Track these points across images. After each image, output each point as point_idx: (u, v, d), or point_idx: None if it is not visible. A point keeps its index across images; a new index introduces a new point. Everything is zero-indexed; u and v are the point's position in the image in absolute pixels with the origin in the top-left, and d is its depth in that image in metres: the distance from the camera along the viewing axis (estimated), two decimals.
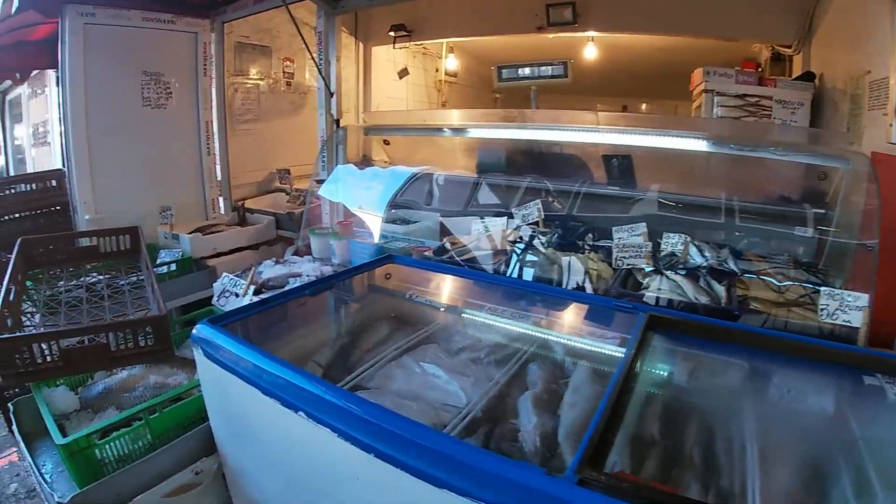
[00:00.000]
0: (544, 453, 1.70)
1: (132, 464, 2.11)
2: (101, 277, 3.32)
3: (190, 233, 4.20)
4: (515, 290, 2.57)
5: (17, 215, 4.48)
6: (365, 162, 4.29)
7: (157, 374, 2.61)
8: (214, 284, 3.27)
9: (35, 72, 7.50)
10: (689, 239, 2.75)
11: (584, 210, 3.20)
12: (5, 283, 2.76)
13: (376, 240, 3.47)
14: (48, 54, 3.98)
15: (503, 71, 3.84)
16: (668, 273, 2.59)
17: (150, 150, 4.49)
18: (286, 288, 3.01)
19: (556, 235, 3.03)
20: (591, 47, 5.07)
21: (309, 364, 2.19)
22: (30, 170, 7.91)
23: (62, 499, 1.93)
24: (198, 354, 2.03)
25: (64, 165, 4.13)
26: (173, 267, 3.91)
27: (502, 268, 2.80)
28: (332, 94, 4.06)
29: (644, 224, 2.79)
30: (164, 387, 2.54)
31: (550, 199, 3.26)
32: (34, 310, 2.87)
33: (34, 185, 4.54)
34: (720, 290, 2.44)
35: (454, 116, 3.96)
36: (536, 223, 3.14)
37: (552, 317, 2.39)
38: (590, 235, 3.02)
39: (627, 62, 5.55)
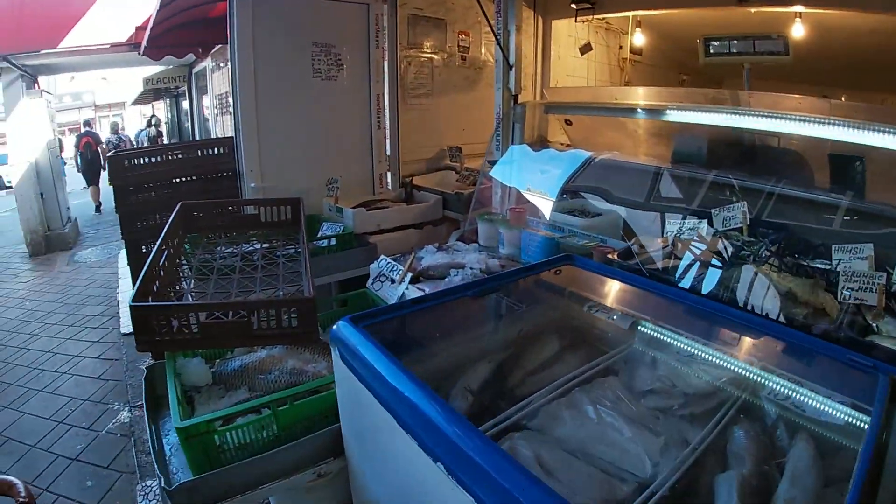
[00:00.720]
0: None
1: (252, 458, 1.99)
2: (257, 246, 3.27)
3: (354, 207, 4.04)
4: (720, 318, 2.09)
5: (191, 178, 4.72)
6: (541, 143, 3.89)
7: (297, 359, 2.47)
8: (371, 266, 3.06)
9: (217, 46, 7.84)
10: None
11: (788, 218, 2.62)
12: (156, 245, 2.74)
13: (551, 233, 3.06)
14: (225, 29, 3.92)
15: (712, 44, 3.24)
16: None
17: (318, 122, 4.38)
18: (446, 280, 2.74)
19: (763, 248, 2.47)
20: (797, 25, 4.23)
21: (457, 389, 1.94)
22: (215, 136, 8.39)
23: (167, 486, 1.85)
24: (335, 354, 1.84)
25: (235, 134, 4.12)
26: (333, 241, 3.77)
27: (702, 285, 2.29)
28: (510, 67, 3.68)
29: (870, 246, 2.17)
30: (300, 373, 2.39)
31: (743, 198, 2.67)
32: (187, 273, 2.86)
33: (206, 151, 4.76)
34: None
35: (649, 95, 3.41)
36: (739, 229, 2.58)
37: (765, 361, 1.92)
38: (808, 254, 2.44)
39: (834, 45, 4.62)
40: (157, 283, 2.53)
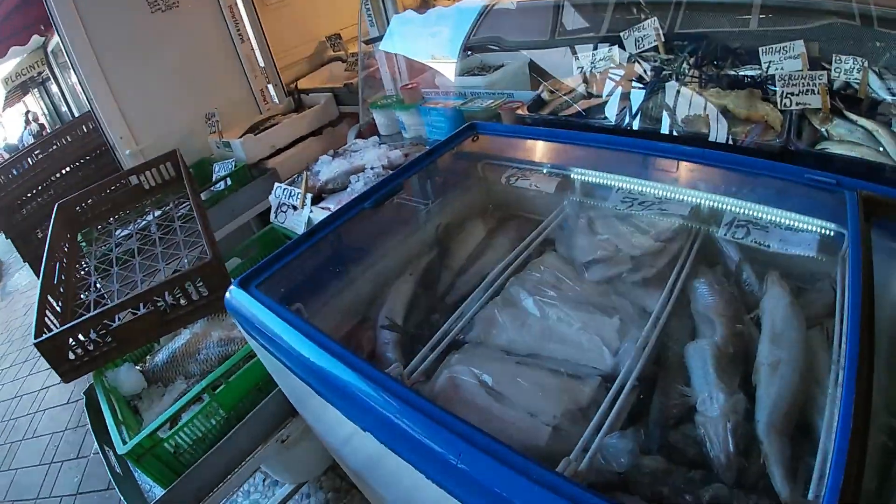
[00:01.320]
0: (739, 466, 1.12)
1: (210, 450, 1.87)
2: (149, 219, 2.90)
3: (241, 135, 3.57)
4: (652, 155, 1.79)
5: (64, 171, 4.35)
6: (425, 5, 3.41)
7: (221, 328, 2.29)
8: (270, 197, 2.67)
9: None
10: (866, 64, 1.82)
11: (705, 26, 2.36)
12: (43, 263, 2.44)
13: (451, 102, 2.67)
14: None
15: None
16: (851, 116, 1.79)
17: (173, 58, 3.75)
18: (348, 189, 2.37)
19: (684, 64, 2.18)
20: None
21: (381, 323, 1.66)
22: None
23: None
24: (238, 322, 1.51)
25: (89, 104, 3.56)
26: (229, 181, 3.34)
27: (626, 120, 1.97)
28: None
29: (801, 43, 1.89)
30: (229, 342, 2.23)
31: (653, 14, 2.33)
32: (87, 277, 2.56)
33: (68, 138, 4.37)
34: None
35: None
36: (655, 48, 2.26)
37: (714, 197, 1.66)
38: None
39: None
40: (60, 303, 2.31)
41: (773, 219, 1.53)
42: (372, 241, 1.90)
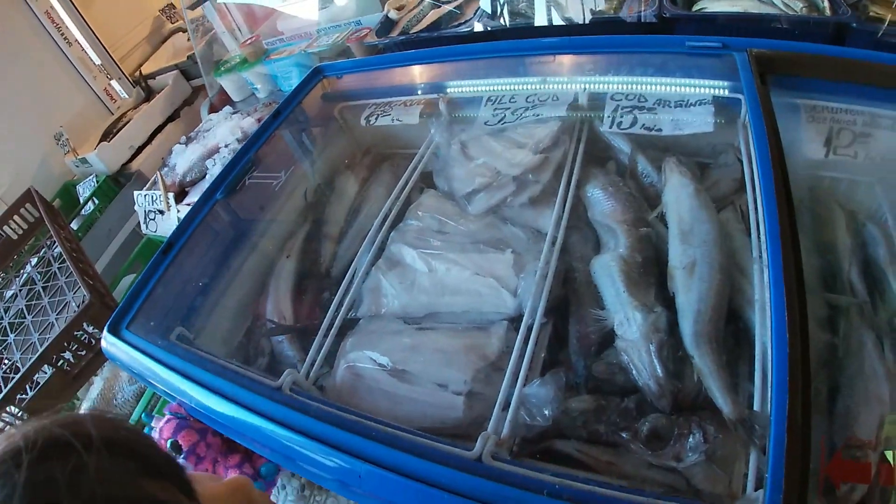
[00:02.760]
0: (673, 389, 1.00)
1: None
2: (28, 270, 2.56)
3: (95, 146, 3.19)
4: (515, 53, 1.59)
5: None
6: None
7: None
8: (135, 208, 2.38)
9: None
10: None
11: None
12: None
13: (294, 47, 2.40)
14: None
15: None
16: None
17: (2, 90, 3.21)
18: (206, 179, 2.12)
19: None
20: None
21: (267, 325, 1.47)
22: None
23: None
24: (123, 369, 1.35)
25: None
26: (96, 200, 2.98)
27: (484, 23, 1.75)
28: None
29: None
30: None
31: None
32: None
33: None
34: None
35: None
36: None
37: (590, 86, 1.47)
38: None
39: None
40: None
41: (661, 98, 1.37)
42: (239, 231, 1.67)
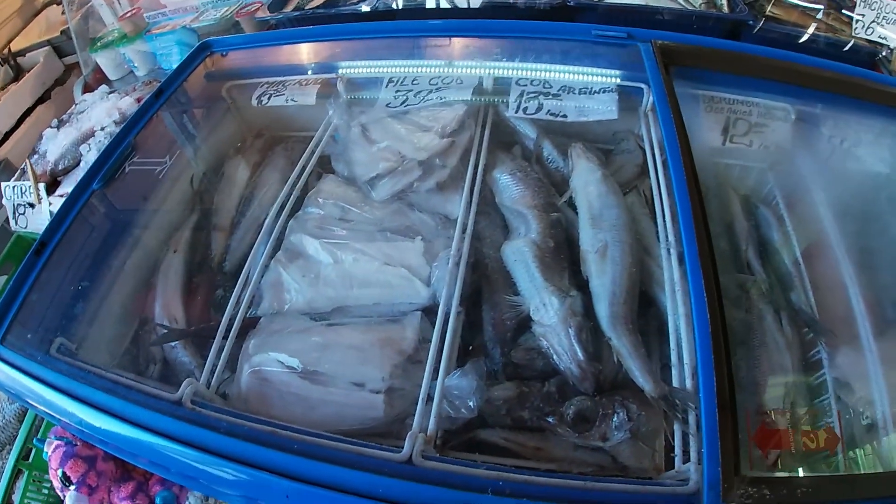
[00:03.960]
0: (594, 371, 1.00)
1: None
2: None
3: None
4: (416, 34, 1.56)
5: None
6: None
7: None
8: (3, 201, 2.14)
9: None
10: None
11: None
12: None
13: (176, 21, 2.24)
14: None
15: None
16: None
17: None
18: (82, 165, 1.94)
19: None
20: None
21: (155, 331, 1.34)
22: None
23: None
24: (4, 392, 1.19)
25: None
26: None
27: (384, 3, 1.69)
28: None
29: None
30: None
31: None
32: None
33: None
34: None
35: None
36: None
37: (496, 70, 1.45)
38: None
39: None
40: None
41: (566, 84, 1.37)
42: (120, 225, 1.52)
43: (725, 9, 1.61)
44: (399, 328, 1.10)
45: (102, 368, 1.09)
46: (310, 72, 1.62)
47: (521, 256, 1.12)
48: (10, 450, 1.74)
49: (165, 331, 1.31)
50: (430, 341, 1.03)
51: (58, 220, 1.34)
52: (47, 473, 1.54)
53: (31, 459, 1.57)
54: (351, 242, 1.22)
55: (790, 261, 1.25)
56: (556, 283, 1.07)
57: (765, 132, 1.36)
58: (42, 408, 1.03)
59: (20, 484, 1.56)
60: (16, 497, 1.56)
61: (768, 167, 1.40)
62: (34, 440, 1.29)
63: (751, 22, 1.55)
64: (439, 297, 1.09)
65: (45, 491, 1.59)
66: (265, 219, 1.34)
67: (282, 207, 1.35)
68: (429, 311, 1.12)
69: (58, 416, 1.01)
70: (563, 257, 1.13)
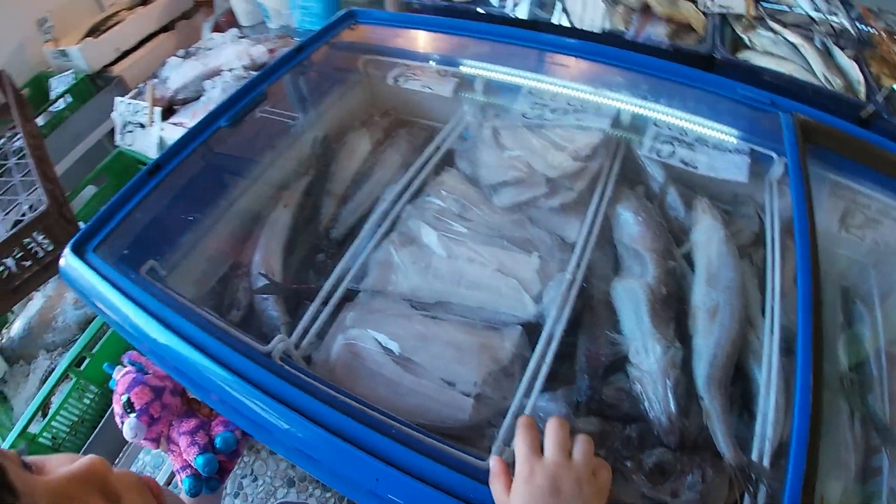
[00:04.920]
0: (681, 427, 1.01)
1: (92, 435, 1.64)
2: None
3: (80, 41, 2.97)
4: (563, 52, 1.54)
5: None
6: None
7: None
8: (112, 115, 2.23)
9: None
10: None
11: None
12: None
13: None
14: None
15: None
16: (776, 26, 1.71)
17: None
18: (203, 99, 2.00)
19: None
20: None
21: (254, 278, 1.37)
22: None
23: None
24: (78, 294, 1.18)
25: None
26: (69, 98, 2.76)
27: (535, 13, 1.72)
28: None
29: None
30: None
31: None
32: None
33: None
34: (849, 67, 1.63)
35: None
36: None
37: (638, 107, 1.44)
38: None
39: None
40: None
41: (701, 136, 1.38)
42: (235, 167, 1.58)
43: (862, 95, 1.59)
44: (499, 337, 1.12)
45: (191, 301, 1.10)
46: (450, 64, 1.65)
47: (632, 297, 1.14)
48: (63, 353, 1.82)
49: (267, 282, 1.34)
50: (527, 357, 1.06)
51: (178, 146, 1.37)
52: (93, 384, 1.64)
53: (82, 367, 1.63)
54: (468, 241, 1.25)
55: (875, 363, 1.24)
56: (662, 331, 1.08)
57: (879, 229, 1.34)
58: (125, 326, 1.05)
59: (65, 387, 1.62)
60: (56, 399, 1.61)
61: (872, 264, 1.39)
62: (105, 365, 1.32)
63: (885, 116, 1.51)
64: (545, 317, 1.11)
65: (86, 401, 1.65)
66: (379, 196, 1.38)
67: (404, 190, 1.39)
68: (528, 328, 1.14)
69: (139, 338, 1.03)
70: (672, 308, 1.14)
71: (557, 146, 1.39)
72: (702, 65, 1.63)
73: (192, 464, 1.09)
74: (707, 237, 1.22)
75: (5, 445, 1.42)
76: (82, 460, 0.55)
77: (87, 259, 1.13)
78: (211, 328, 0.99)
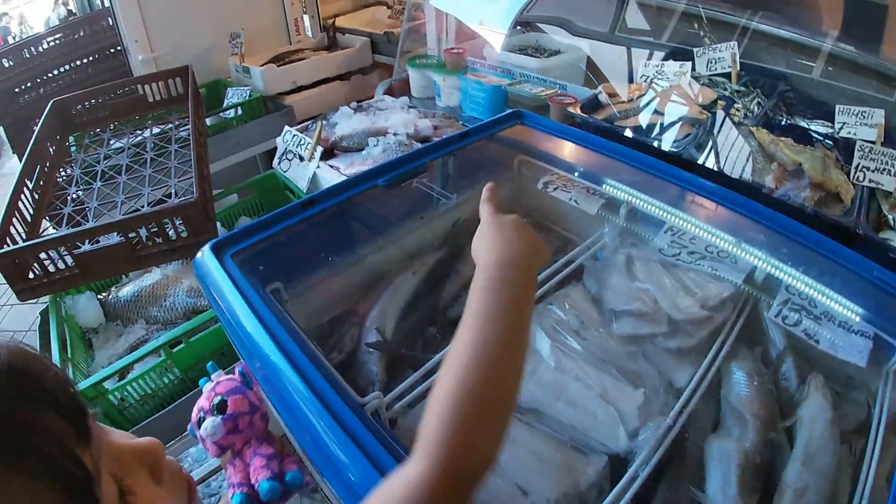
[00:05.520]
0: None
1: (158, 413, 1.74)
2: (146, 135, 2.67)
3: (263, 64, 3.32)
4: (711, 199, 1.58)
5: (71, 66, 3.97)
6: None
7: (194, 277, 2.11)
8: (278, 140, 2.45)
9: None
10: None
11: (783, 65, 2.18)
12: (22, 162, 2.27)
13: (498, 78, 2.46)
14: None
15: None
16: None
17: None
18: (364, 152, 2.19)
19: (755, 102, 2.04)
20: None
21: (368, 333, 1.46)
22: None
23: None
24: (203, 289, 1.32)
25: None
26: (239, 111, 3.11)
27: (689, 151, 1.77)
28: None
29: (881, 112, 1.78)
30: (200, 295, 2.12)
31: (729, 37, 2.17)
32: (67, 187, 2.33)
33: (83, 31, 4.01)
34: None
35: None
36: (727, 76, 2.10)
37: (776, 268, 1.45)
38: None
39: None
40: (32, 210, 2.13)
41: (830, 310, 1.37)
42: (378, 224, 1.73)
43: None
44: (583, 461, 1.15)
45: (305, 331, 1.16)
46: (598, 182, 1.73)
47: (725, 458, 1.15)
48: (161, 329, 2.01)
49: (380, 339, 1.43)
50: (605, 489, 1.09)
51: (335, 190, 1.52)
52: (178, 368, 1.79)
53: (174, 350, 1.79)
54: (579, 359, 1.30)
55: None
56: (745, 499, 1.09)
57: None
58: (239, 333, 1.13)
59: (150, 360, 1.77)
60: (139, 367, 1.77)
61: None
62: (210, 364, 1.34)
63: None
64: (634, 455, 1.14)
65: (165, 381, 1.80)
66: None
67: None
68: (614, 460, 1.16)
69: (252, 352, 1.11)
70: (761, 479, 1.14)
71: (688, 290, 1.43)
72: (842, 236, 1.63)
73: (256, 485, 1.12)
74: (813, 416, 1.22)
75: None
76: (144, 439, 0.61)
77: (223, 261, 1.26)
78: (319, 363, 1.05)
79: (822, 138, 1.88)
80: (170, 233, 1.88)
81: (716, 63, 2.09)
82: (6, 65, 3.86)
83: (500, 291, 0.81)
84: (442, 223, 1.80)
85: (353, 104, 2.67)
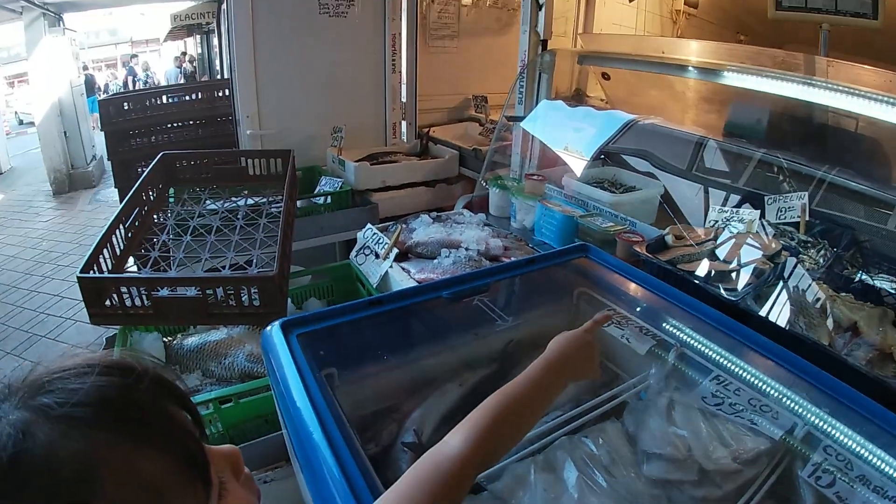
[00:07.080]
0: None
1: None
2: (240, 203, 2.95)
3: (359, 159, 3.62)
4: (762, 353, 1.60)
5: (183, 124, 4.57)
6: (577, 99, 3.36)
7: (256, 343, 2.28)
8: (358, 234, 2.65)
9: None
10: None
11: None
12: (124, 202, 2.52)
13: (571, 209, 2.60)
14: None
15: None
16: None
17: (325, 63, 3.99)
18: (436, 261, 2.37)
19: (822, 253, 2.08)
20: None
21: (406, 434, 1.57)
22: None
23: None
24: (265, 359, 1.49)
25: (230, 75, 3.87)
26: (329, 199, 3.36)
27: (747, 302, 1.83)
28: (539, 7, 3.07)
29: None
30: (258, 361, 2.23)
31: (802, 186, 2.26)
32: (159, 233, 2.59)
33: (201, 94, 4.60)
34: None
35: (703, 51, 2.82)
36: (796, 225, 2.15)
37: (816, 429, 1.46)
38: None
39: None
40: (124, 244, 2.36)
41: (864, 475, 1.35)
42: (436, 332, 1.86)
43: None
44: None
45: (349, 420, 1.26)
46: (653, 324, 1.79)
47: None
48: (214, 384, 2.13)
49: (415, 440, 1.53)
50: None
51: (402, 294, 1.71)
52: (222, 423, 1.88)
53: (222, 406, 1.88)
54: (604, 496, 1.34)
55: None
56: None
57: None
58: (289, 407, 1.24)
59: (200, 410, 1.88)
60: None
61: None
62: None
63: None
64: None
65: (208, 433, 1.81)
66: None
67: (567, 422, 1.54)
68: None
69: (295, 425, 1.21)
70: None
71: (723, 441, 1.46)
72: (890, 399, 1.62)
73: None
74: None
75: None
76: (227, 446, 0.74)
77: (289, 338, 1.42)
78: (355, 451, 1.14)
79: (890, 293, 1.88)
80: (244, 298, 2.05)
81: (785, 212, 2.16)
82: (126, 107, 4.41)
83: (551, 373, 1.19)
84: (496, 341, 1.90)
85: (433, 215, 2.85)
